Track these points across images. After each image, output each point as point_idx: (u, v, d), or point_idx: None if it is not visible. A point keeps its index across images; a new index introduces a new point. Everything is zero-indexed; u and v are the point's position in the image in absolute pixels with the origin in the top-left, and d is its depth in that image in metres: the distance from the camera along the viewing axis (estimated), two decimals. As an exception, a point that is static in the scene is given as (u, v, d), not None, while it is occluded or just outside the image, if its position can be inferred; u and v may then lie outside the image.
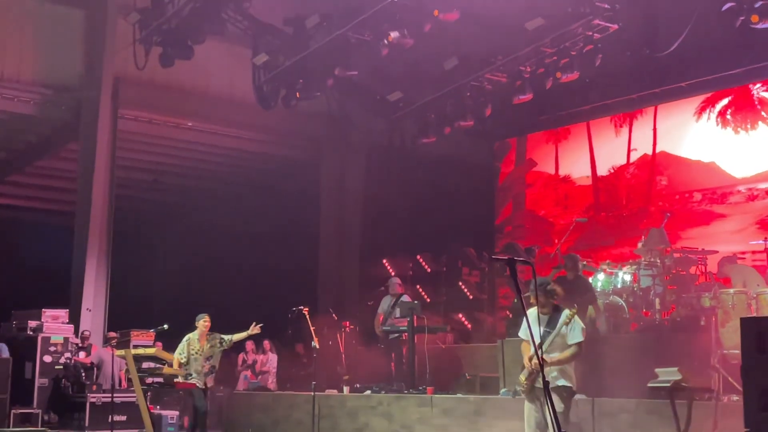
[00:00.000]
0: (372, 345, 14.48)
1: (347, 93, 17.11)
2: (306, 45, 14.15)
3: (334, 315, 15.55)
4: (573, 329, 8.00)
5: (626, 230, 16.29)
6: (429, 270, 17.44)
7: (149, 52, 14.46)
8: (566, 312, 8.04)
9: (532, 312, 8.05)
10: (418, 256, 17.37)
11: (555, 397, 7.66)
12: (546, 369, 7.69)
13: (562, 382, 7.92)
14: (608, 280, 12.47)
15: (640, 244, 12.52)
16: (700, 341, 10.30)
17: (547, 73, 13.65)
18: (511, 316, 12.25)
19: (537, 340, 7.68)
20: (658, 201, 16.21)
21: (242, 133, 18.12)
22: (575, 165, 17.76)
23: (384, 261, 17.05)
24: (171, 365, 12.48)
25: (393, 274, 16.19)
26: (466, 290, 16.97)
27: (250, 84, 15.27)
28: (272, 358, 16.22)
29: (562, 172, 18.06)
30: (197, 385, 11.27)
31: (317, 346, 11.35)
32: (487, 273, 16.28)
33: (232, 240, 20.51)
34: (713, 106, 15.61)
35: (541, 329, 7.97)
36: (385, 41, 12.87)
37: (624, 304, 12.08)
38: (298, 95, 14.75)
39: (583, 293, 11.10)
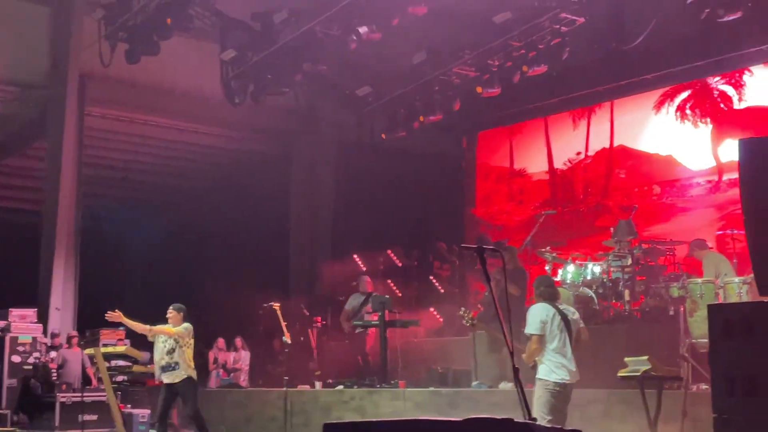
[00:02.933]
0: (343, 340, 14.47)
1: (316, 88, 17.06)
2: (274, 40, 14.04)
3: (305, 311, 15.59)
4: (526, 320, 8.07)
5: (581, 228, 16.54)
6: (400, 264, 17.42)
7: (115, 49, 14.27)
8: (531, 307, 8.15)
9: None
10: (389, 251, 17.32)
11: (536, 387, 7.91)
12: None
13: (538, 375, 8.01)
14: (578, 271, 12.54)
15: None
16: (668, 331, 10.50)
17: (515, 67, 13.71)
18: (482, 308, 12.28)
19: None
20: (617, 195, 16.36)
21: (210, 130, 17.98)
22: (531, 159, 17.94)
23: (355, 256, 17.02)
24: (142, 363, 12.34)
25: (364, 269, 16.24)
26: (437, 284, 17.04)
27: (217, 80, 15.11)
28: (245, 356, 16.14)
29: (517, 166, 18.24)
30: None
31: (289, 342, 11.31)
32: (458, 267, 16.30)
33: (202, 237, 20.37)
34: (672, 99, 15.73)
35: None
36: (354, 36, 12.82)
37: (594, 295, 12.18)
38: (266, 91, 14.63)
39: (519, 282, 11.20)
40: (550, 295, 8.22)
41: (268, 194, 18.98)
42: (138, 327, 10.62)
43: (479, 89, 14.21)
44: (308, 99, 17.73)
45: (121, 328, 13.28)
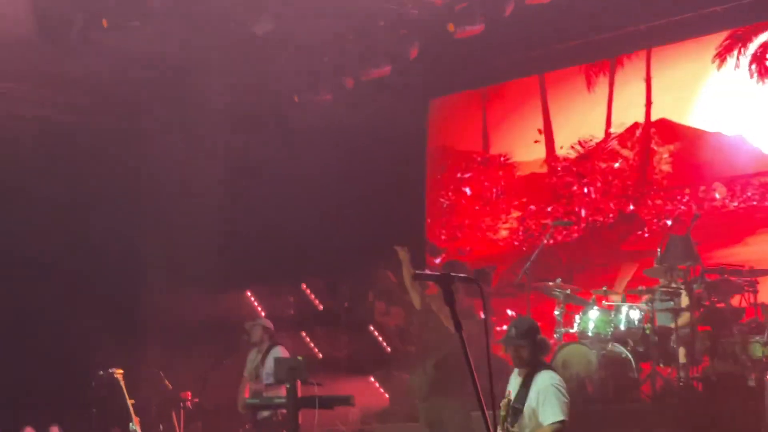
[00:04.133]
0: (233, 430, 14.49)
1: (185, 21, 16.42)
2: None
3: (167, 382, 15.42)
4: (546, 401, 8.54)
5: (598, 252, 16.68)
6: (321, 307, 17.51)
7: None
8: (545, 375, 8.59)
9: (515, 372, 9.03)
10: (304, 285, 17.47)
11: None
12: None
13: None
14: (605, 319, 12.80)
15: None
16: (747, 411, 10.80)
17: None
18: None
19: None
20: (657, 198, 16.52)
21: (10, 88, 17.47)
22: (517, 141, 18.09)
23: (248, 293, 17.11)
24: None
25: (263, 313, 16.22)
26: (381, 339, 17.00)
27: (26, 7, 14.78)
28: (64, 453, 15.80)
29: (494, 151, 18.31)
30: None
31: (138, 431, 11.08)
32: (417, 311, 16.27)
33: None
34: (744, 45, 15.82)
35: (514, 397, 8.81)
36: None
37: (630, 356, 12.40)
38: (105, 25, 14.34)
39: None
40: (547, 353, 9.08)
41: (108, 192, 18.37)
42: None
43: (451, 27, 14.24)
44: (172, 40, 17.12)
45: None
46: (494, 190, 18.29)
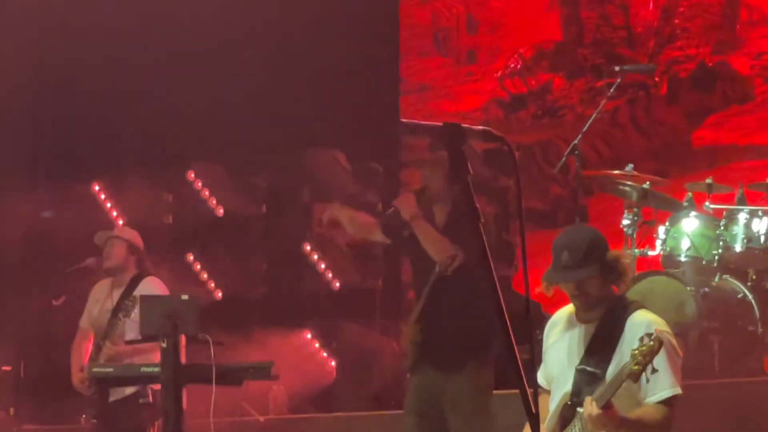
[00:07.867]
0: (68, 414, 14.35)
1: None
2: None
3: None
4: (658, 369, 8.14)
5: (652, 151, 16.46)
6: (221, 211, 17.22)
7: None
8: (642, 317, 8.46)
9: (562, 315, 8.83)
10: (192, 174, 17.17)
11: None
12: None
13: None
14: (710, 232, 12.59)
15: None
16: None
17: None
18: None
19: (566, 385, 8.43)
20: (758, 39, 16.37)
21: None
22: None
23: (95, 187, 16.88)
24: None
25: (120, 221, 16.35)
26: (323, 266, 16.88)
27: None
28: None
29: None
30: None
31: None
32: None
33: None
34: None
35: (580, 357, 8.57)
36: None
37: (752, 296, 12.33)
38: None
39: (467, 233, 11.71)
40: (623, 278, 8.90)
41: None
42: None
43: None
44: None
45: None
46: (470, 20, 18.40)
